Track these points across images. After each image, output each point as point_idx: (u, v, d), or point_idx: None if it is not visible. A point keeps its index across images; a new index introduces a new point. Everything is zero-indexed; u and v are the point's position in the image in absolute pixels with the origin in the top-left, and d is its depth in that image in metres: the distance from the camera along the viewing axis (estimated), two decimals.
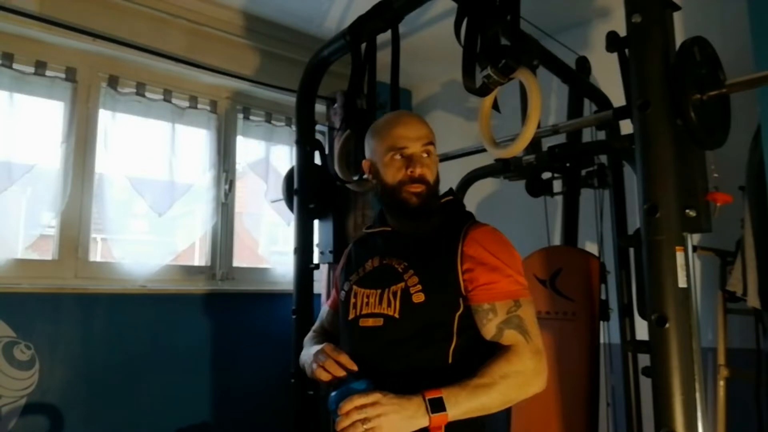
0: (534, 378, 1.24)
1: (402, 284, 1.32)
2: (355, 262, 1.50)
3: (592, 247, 2.48)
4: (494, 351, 1.27)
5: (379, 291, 1.36)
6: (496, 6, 1.47)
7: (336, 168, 1.99)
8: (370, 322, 1.34)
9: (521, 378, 1.22)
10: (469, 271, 1.30)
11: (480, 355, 1.26)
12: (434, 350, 1.28)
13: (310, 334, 1.65)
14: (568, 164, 2.23)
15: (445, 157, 2.23)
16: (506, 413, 2.11)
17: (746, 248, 1.99)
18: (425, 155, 1.39)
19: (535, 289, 2.11)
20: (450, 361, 1.28)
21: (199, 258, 2.98)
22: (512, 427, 2.08)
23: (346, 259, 1.57)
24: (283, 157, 3.24)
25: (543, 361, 1.26)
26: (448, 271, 1.31)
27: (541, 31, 2.27)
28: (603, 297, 2.04)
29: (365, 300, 1.37)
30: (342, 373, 1.30)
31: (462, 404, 1.16)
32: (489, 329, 1.28)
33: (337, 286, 1.59)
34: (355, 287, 1.43)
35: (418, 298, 1.30)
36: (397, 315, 1.30)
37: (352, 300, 1.41)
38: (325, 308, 1.67)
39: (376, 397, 1.15)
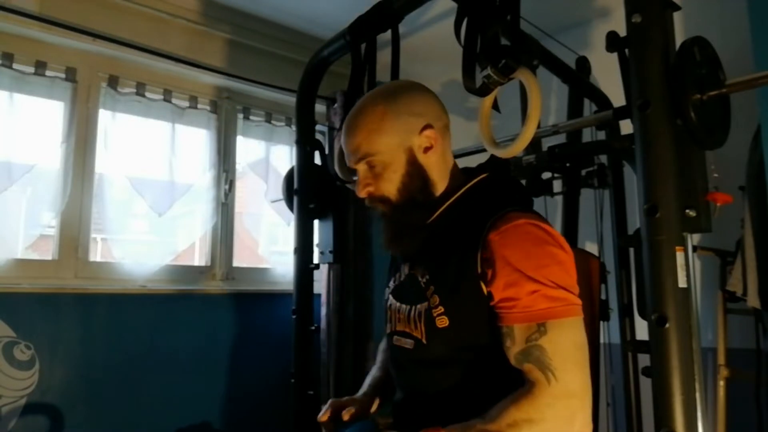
0: (558, 428, 1.00)
1: (426, 304, 1.16)
2: (396, 262, 1.34)
3: (592, 247, 2.48)
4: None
5: (408, 308, 1.21)
6: (496, 6, 1.47)
7: (336, 168, 1.99)
8: (402, 341, 1.22)
9: (534, 429, 0.99)
10: (492, 281, 1.07)
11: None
12: (469, 374, 1.12)
13: (381, 346, 1.52)
14: (568, 164, 2.22)
15: None
16: None
17: (746, 248, 1.99)
18: (366, 169, 1.19)
19: None
20: (489, 383, 1.11)
21: (199, 258, 2.98)
22: None
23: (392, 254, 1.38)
24: (283, 157, 3.24)
25: (573, 405, 1.01)
26: (469, 286, 1.09)
27: (541, 31, 2.27)
28: (603, 297, 2.03)
29: (398, 315, 1.25)
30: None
31: None
32: (510, 359, 1.07)
33: None
34: (391, 297, 1.30)
35: (442, 322, 1.12)
36: (424, 340, 1.16)
37: (389, 312, 1.30)
38: None
39: None
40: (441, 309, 1.13)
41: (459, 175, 1.27)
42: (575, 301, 1.06)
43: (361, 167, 1.20)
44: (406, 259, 1.27)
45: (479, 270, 1.09)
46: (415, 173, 1.18)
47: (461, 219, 1.17)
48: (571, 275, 1.08)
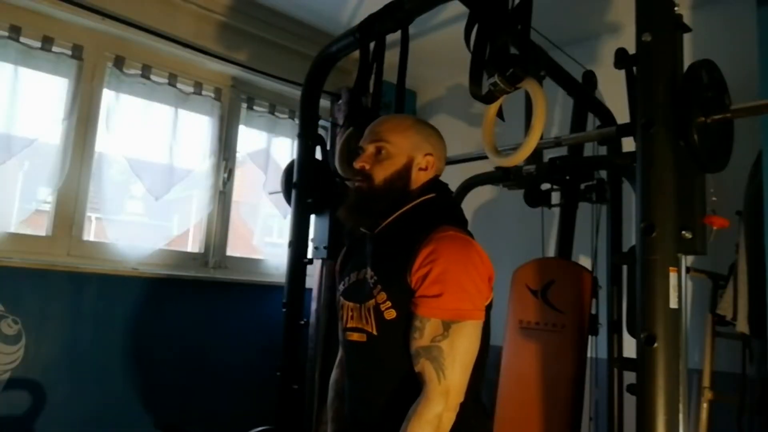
0: (442, 421, 1.15)
1: (373, 301, 1.28)
2: (347, 267, 1.47)
3: (585, 261, 2.49)
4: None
5: (358, 305, 1.33)
6: (508, 15, 1.47)
7: (336, 164, 1.99)
8: (355, 336, 1.33)
9: (435, 427, 1.14)
10: (419, 280, 1.22)
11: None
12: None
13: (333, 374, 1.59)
14: (567, 177, 2.23)
15: (446, 162, 2.23)
16: (489, 422, 2.11)
17: (739, 273, 1.99)
18: (374, 151, 1.38)
19: (526, 299, 2.12)
20: None
21: (193, 244, 2.98)
22: None
23: (342, 259, 1.54)
24: (284, 149, 3.24)
25: (448, 404, 1.16)
26: (406, 283, 1.24)
27: (551, 43, 2.28)
28: (593, 311, 2.04)
29: (350, 313, 1.36)
30: None
31: None
32: (411, 347, 1.21)
33: None
34: (342, 299, 1.42)
35: (390, 314, 1.25)
36: (375, 332, 1.28)
37: (341, 311, 1.41)
38: None
39: None
40: (389, 303, 1.26)
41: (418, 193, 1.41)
42: (480, 306, 1.23)
43: (371, 148, 1.38)
44: (357, 262, 1.41)
45: (414, 267, 1.23)
46: (403, 176, 1.36)
47: (405, 229, 1.32)
48: (485, 283, 1.24)
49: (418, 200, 1.35)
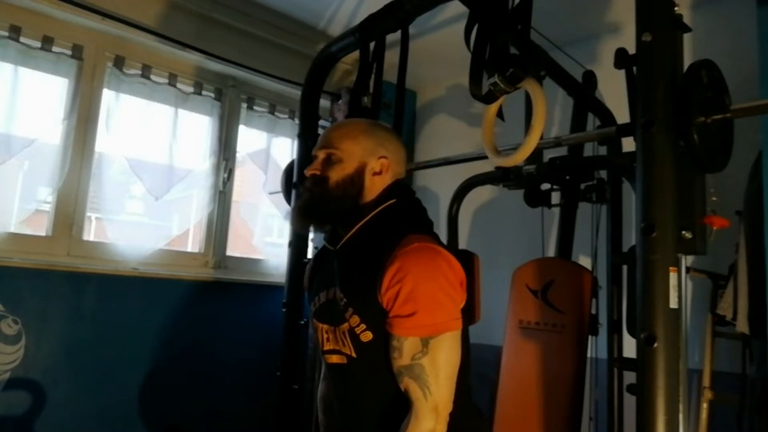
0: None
1: (347, 325, 1.25)
2: (314, 284, 1.44)
3: (585, 261, 2.49)
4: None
5: (333, 328, 1.30)
6: (508, 15, 1.47)
7: None
8: (335, 359, 1.30)
9: None
10: (390, 298, 1.18)
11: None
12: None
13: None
14: (567, 177, 2.23)
15: (446, 162, 2.23)
16: (488, 423, 2.11)
17: (739, 273, 1.99)
18: (325, 158, 1.35)
19: (525, 299, 2.12)
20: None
21: (193, 244, 2.98)
22: None
23: (309, 274, 1.50)
24: (284, 149, 3.24)
25: (439, 419, 1.15)
26: (378, 303, 1.20)
27: (550, 42, 2.27)
28: (593, 311, 2.04)
29: (326, 336, 1.32)
30: None
31: None
32: (393, 367, 1.19)
33: None
34: (314, 321, 1.38)
35: (366, 337, 1.22)
36: (354, 354, 1.25)
37: (316, 333, 1.37)
38: None
39: None
40: (363, 326, 1.23)
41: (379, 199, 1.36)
42: (456, 315, 1.19)
43: (321, 154, 1.35)
44: (325, 281, 1.37)
45: (384, 288, 1.19)
46: (356, 182, 1.33)
47: (369, 243, 1.28)
48: (457, 291, 1.20)
49: (378, 209, 1.31)
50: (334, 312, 1.29)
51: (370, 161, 1.33)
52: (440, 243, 1.28)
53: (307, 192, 1.34)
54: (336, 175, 1.32)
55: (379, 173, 1.34)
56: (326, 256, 1.40)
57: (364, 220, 1.31)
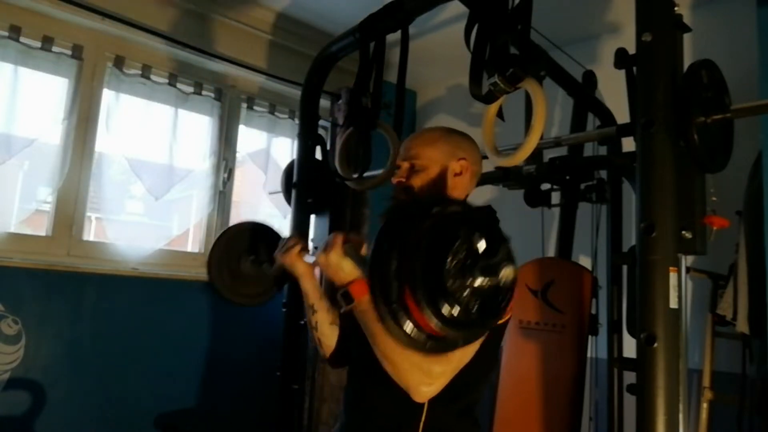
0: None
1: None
2: None
3: (585, 261, 2.49)
4: None
5: None
6: (508, 15, 1.47)
7: (336, 164, 1.99)
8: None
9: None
10: None
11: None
12: None
13: None
14: (567, 177, 2.23)
15: None
16: (488, 421, 2.11)
17: (739, 273, 1.99)
18: (408, 167, 1.43)
19: (526, 299, 2.12)
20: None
21: (193, 244, 2.97)
22: None
23: None
24: (284, 149, 3.24)
25: (432, 380, 1.17)
26: None
27: (550, 42, 2.27)
28: (593, 311, 2.04)
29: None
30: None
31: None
32: None
33: None
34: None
35: None
36: None
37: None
38: None
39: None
40: None
41: None
42: None
43: (405, 165, 1.44)
44: None
45: None
46: (439, 184, 1.41)
47: None
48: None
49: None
50: None
51: (451, 163, 1.41)
52: None
53: (395, 200, 1.43)
54: (420, 181, 1.40)
55: (460, 174, 1.42)
56: None
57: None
